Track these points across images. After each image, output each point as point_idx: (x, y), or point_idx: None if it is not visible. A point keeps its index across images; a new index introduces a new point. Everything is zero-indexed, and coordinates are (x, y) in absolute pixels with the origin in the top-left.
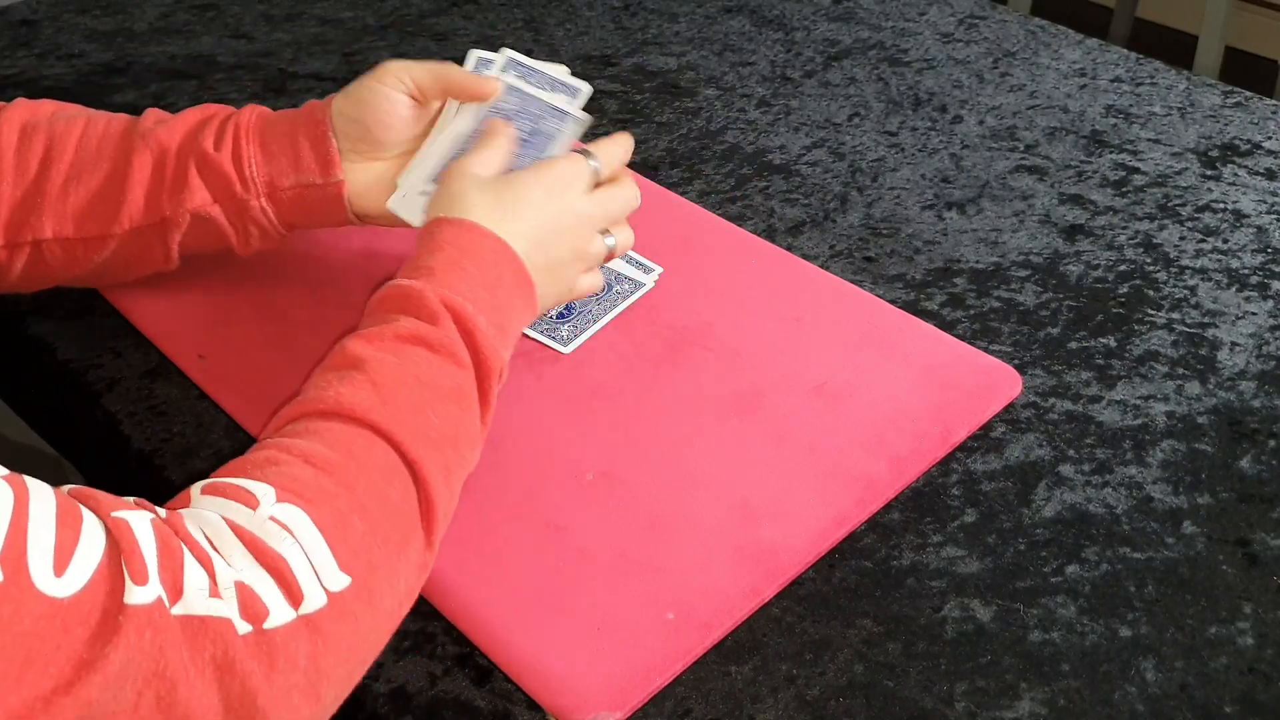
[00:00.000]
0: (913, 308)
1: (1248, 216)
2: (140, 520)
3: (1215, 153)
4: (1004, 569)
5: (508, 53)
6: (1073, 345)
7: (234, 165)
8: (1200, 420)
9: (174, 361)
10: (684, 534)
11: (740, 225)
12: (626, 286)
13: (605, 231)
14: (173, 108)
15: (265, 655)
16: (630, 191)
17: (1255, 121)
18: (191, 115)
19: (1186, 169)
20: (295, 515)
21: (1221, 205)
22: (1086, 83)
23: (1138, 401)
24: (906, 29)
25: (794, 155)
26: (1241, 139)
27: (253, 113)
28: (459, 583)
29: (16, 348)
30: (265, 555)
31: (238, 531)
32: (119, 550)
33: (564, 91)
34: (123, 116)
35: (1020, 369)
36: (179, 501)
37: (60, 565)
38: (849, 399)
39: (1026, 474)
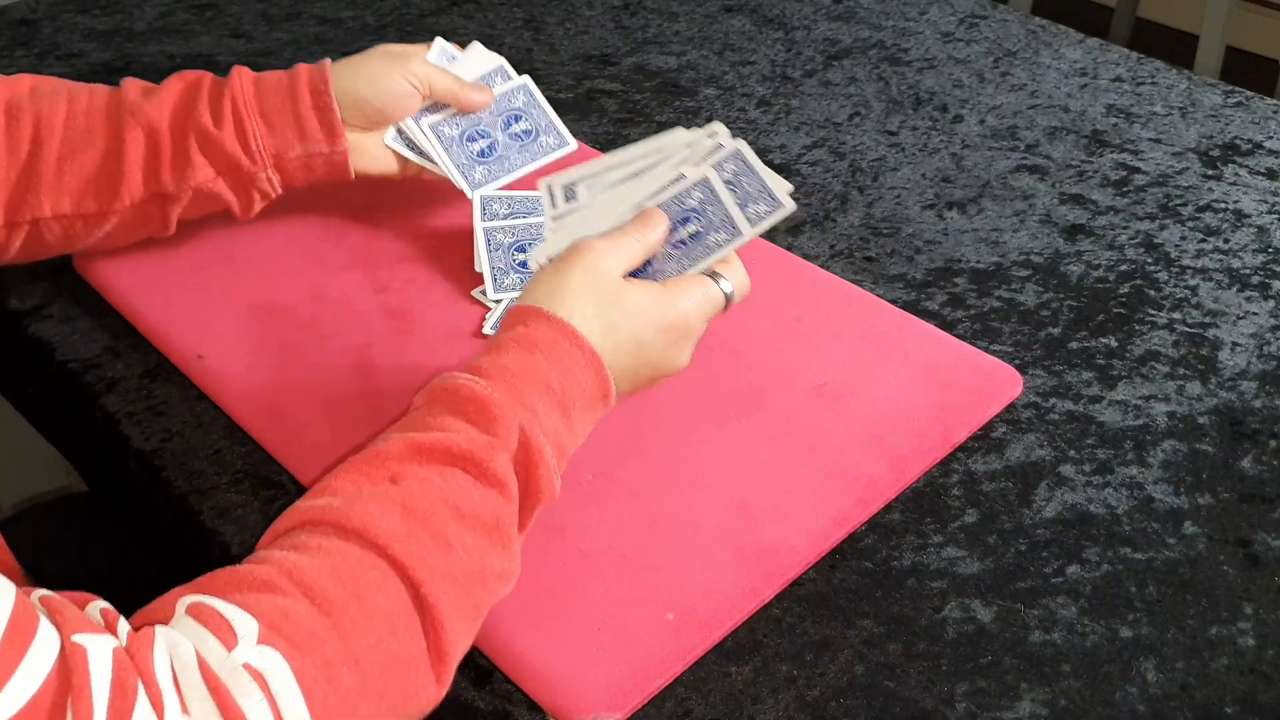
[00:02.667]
0: (913, 308)
1: (1249, 216)
2: (100, 650)
3: (1216, 152)
4: (1005, 569)
5: (739, 144)
6: (1073, 345)
7: (239, 141)
8: (1201, 420)
9: (174, 361)
10: (684, 534)
11: None
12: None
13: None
14: None
15: None
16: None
17: (1256, 121)
18: (174, 86)
19: (1187, 169)
20: (274, 662)
21: (1222, 205)
22: (1087, 82)
23: (1139, 401)
24: (907, 28)
25: (794, 155)
26: (1242, 139)
27: (243, 80)
28: None
29: (16, 348)
30: (227, 707)
31: (206, 673)
32: (68, 685)
33: (764, 203)
34: (102, 88)
35: (1021, 369)
36: (160, 609)
37: None
38: (849, 399)
39: (1027, 474)
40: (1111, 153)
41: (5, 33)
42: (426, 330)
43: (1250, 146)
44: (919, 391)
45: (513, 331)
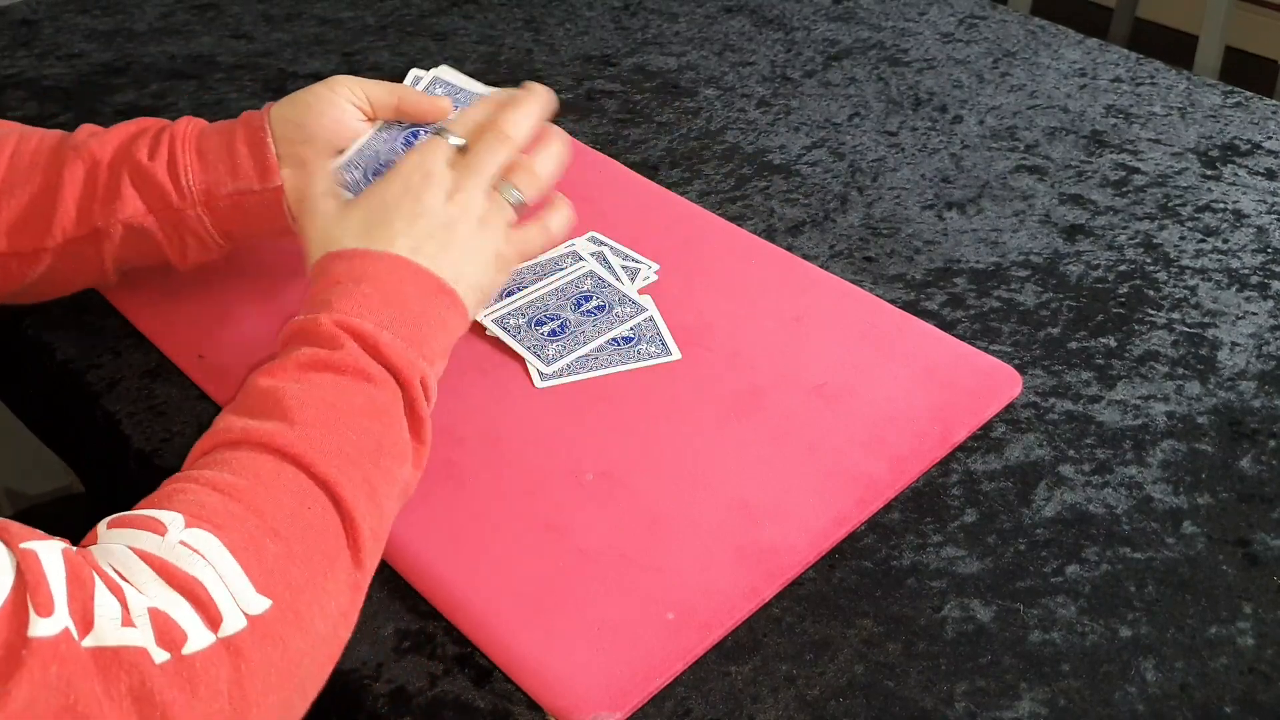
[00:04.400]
0: (913, 308)
1: (1248, 216)
2: (50, 550)
3: (1215, 153)
4: (1004, 569)
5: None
6: (1073, 345)
7: (169, 174)
8: (1200, 420)
9: (174, 361)
10: (684, 534)
11: (740, 225)
12: (628, 310)
13: (503, 186)
14: (173, 108)
15: (185, 683)
16: (504, 134)
17: (1255, 121)
18: (125, 128)
19: (1187, 169)
20: (206, 540)
21: (1222, 205)
22: (1087, 83)
23: (1138, 401)
24: (906, 29)
25: (794, 155)
26: (1242, 139)
27: (190, 123)
28: (459, 583)
29: (16, 348)
30: (177, 579)
31: (146, 558)
32: (24, 584)
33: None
34: (56, 132)
35: (1020, 369)
36: (88, 540)
37: None
38: (849, 399)
39: (1026, 474)
40: (1111, 153)
41: (5, 33)
42: None
43: (1250, 147)
44: (919, 391)
45: (313, 283)
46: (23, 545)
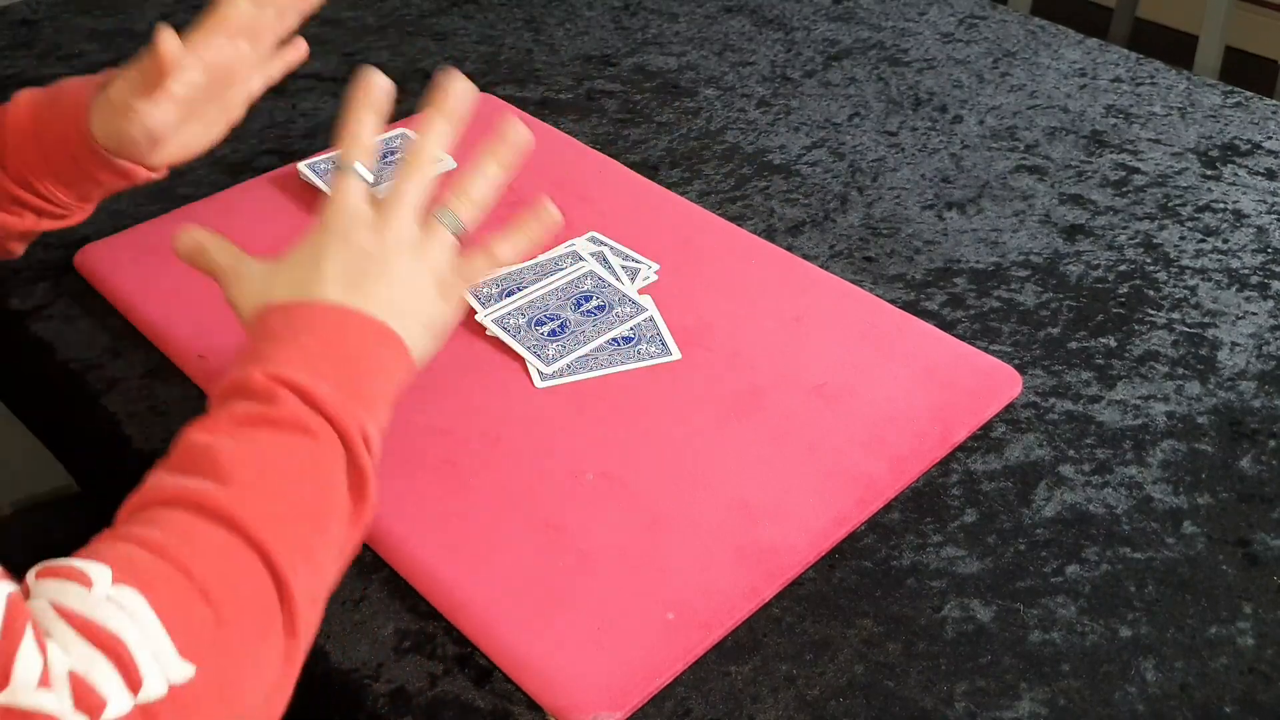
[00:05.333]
0: (913, 308)
1: (1248, 216)
2: None
3: (1215, 153)
4: (1004, 569)
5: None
6: (1073, 345)
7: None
8: (1200, 420)
9: (175, 361)
10: (684, 534)
11: (740, 225)
12: (628, 310)
13: (439, 211)
14: None
15: None
16: (420, 159)
17: (1255, 121)
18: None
19: (1187, 169)
20: (132, 597)
21: (1222, 205)
22: (1086, 83)
23: (1138, 401)
24: (906, 29)
25: (794, 155)
26: (1241, 139)
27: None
28: (459, 583)
29: (16, 348)
30: (100, 637)
31: (68, 615)
32: None
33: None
34: None
35: (1020, 369)
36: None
37: None
38: (849, 399)
39: (1026, 474)
40: (1111, 153)
41: (6, 33)
42: None
43: (1249, 147)
44: (919, 391)
45: (249, 338)
46: (68, 562)
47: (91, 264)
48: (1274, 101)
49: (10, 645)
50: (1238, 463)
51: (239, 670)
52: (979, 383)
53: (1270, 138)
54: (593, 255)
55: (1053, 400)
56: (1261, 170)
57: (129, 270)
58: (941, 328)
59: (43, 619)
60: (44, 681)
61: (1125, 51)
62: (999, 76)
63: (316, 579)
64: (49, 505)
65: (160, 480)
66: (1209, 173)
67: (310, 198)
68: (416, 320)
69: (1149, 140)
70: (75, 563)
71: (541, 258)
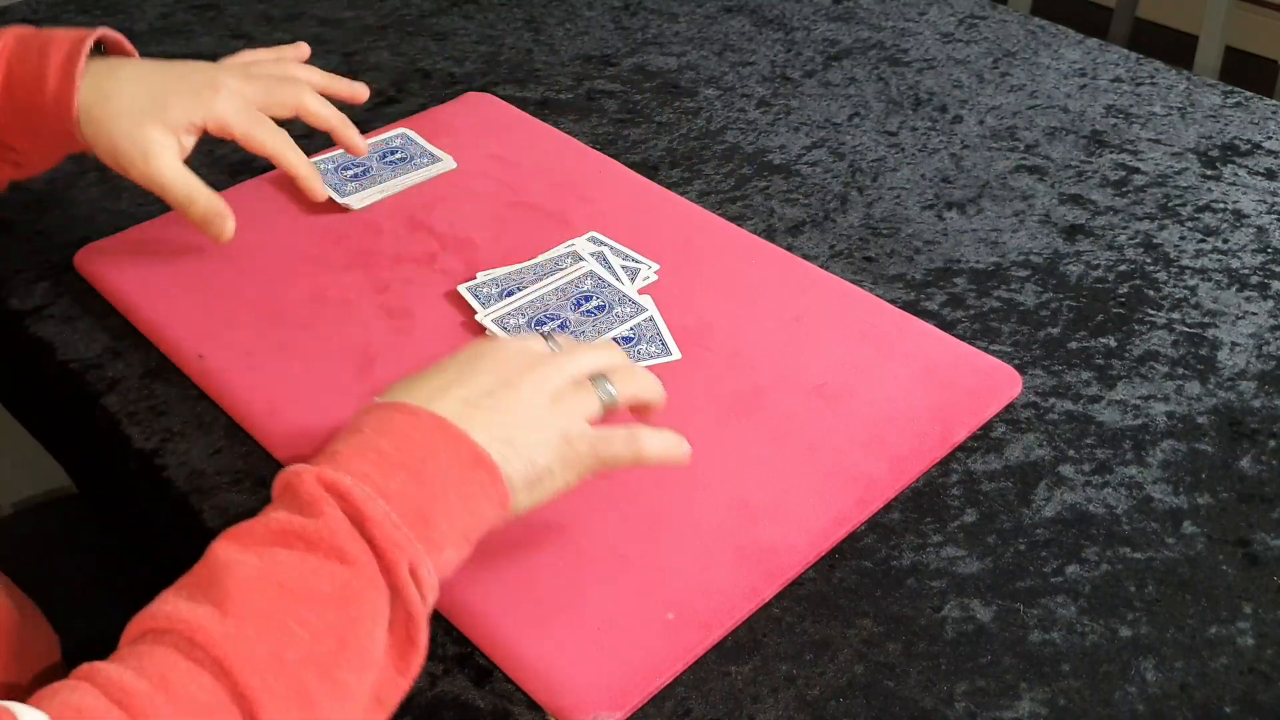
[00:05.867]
0: (913, 308)
1: (1248, 216)
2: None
3: (1215, 153)
4: (1004, 569)
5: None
6: (1073, 345)
7: None
8: (1200, 420)
9: (174, 361)
10: (684, 534)
11: (740, 225)
12: (628, 310)
13: (597, 380)
14: None
15: None
16: (608, 348)
17: (1255, 121)
18: None
19: (1186, 169)
20: None
21: (1222, 205)
22: (1086, 83)
23: (1138, 401)
24: (906, 29)
25: (794, 155)
26: (1241, 139)
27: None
28: (459, 583)
29: (16, 348)
30: None
31: None
32: None
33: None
34: None
35: (1020, 369)
36: None
37: None
38: (849, 399)
39: (1026, 474)
40: (1111, 153)
41: None
42: (426, 330)
43: (1249, 147)
44: (919, 391)
45: (340, 432)
46: (3, 703)
47: (91, 264)
48: (1274, 101)
49: None
50: (1238, 463)
51: None
52: (979, 383)
53: (1270, 138)
54: (593, 255)
55: (1053, 400)
56: (1261, 170)
57: (129, 270)
58: (941, 328)
59: None
60: None
61: (1125, 51)
62: (999, 76)
63: None
64: (49, 505)
65: (164, 602)
66: (1209, 173)
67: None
68: (525, 461)
69: (1149, 140)
70: (11, 706)
71: (541, 258)
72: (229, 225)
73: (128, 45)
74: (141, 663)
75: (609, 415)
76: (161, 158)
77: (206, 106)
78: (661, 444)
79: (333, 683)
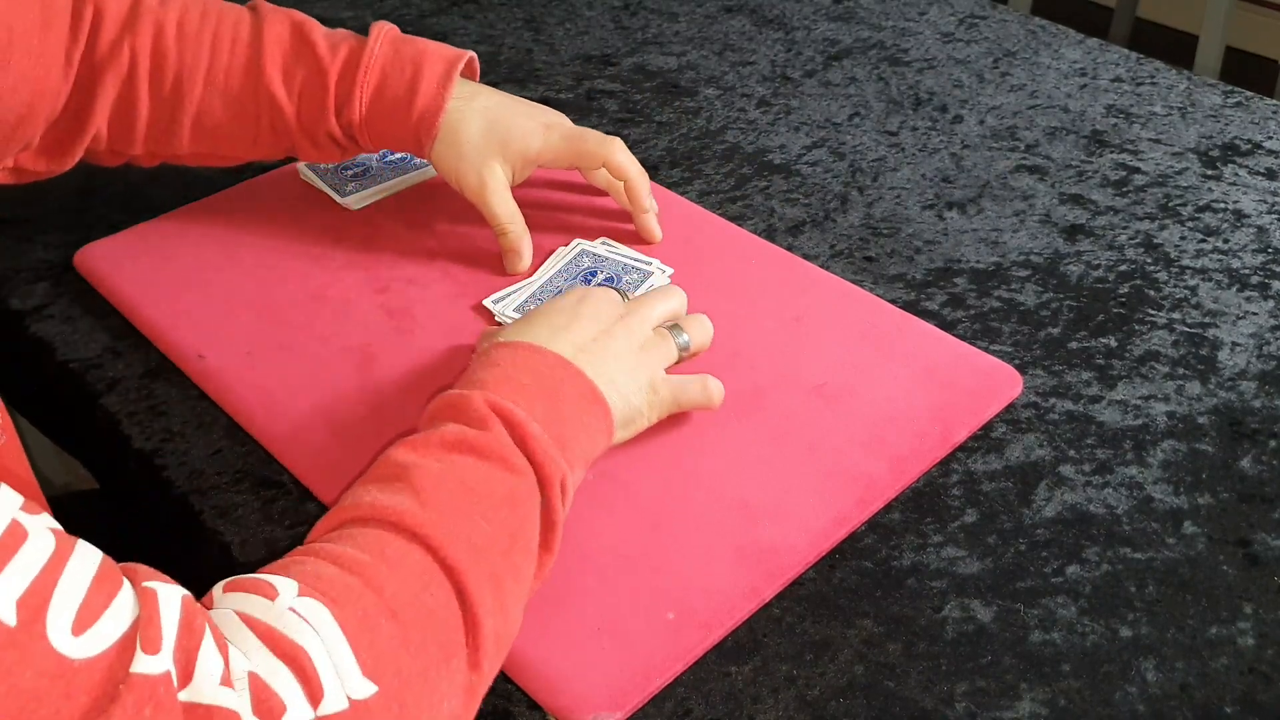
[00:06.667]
0: (913, 308)
1: (1248, 216)
2: (170, 593)
3: (1216, 153)
4: (1004, 569)
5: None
6: (1073, 345)
7: (345, 140)
8: (1201, 420)
9: (174, 361)
10: (684, 534)
11: (740, 225)
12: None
13: (672, 329)
14: None
15: None
16: (675, 291)
17: (1256, 121)
18: (305, 78)
19: (1187, 169)
20: (317, 610)
21: (1222, 205)
22: (1087, 83)
23: (1138, 401)
24: (907, 29)
25: (794, 155)
26: (1242, 139)
27: (365, 95)
28: None
29: (16, 348)
30: (282, 646)
31: (251, 624)
32: (138, 619)
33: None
34: (240, 52)
35: (1020, 369)
36: (204, 602)
37: (81, 626)
38: (849, 399)
39: (1027, 474)
40: (1111, 153)
41: None
42: (426, 330)
43: (1250, 147)
44: (919, 391)
45: (475, 364)
46: (145, 584)
47: (91, 264)
48: (1274, 101)
49: (192, 642)
50: (1238, 463)
51: (420, 694)
52: (979, 383)
53: (1270, 138)
54: (600, 256)
55: (1053, 400)
56: (1262, 170)
57: (129, 270)
58: (942, 328)
59: (225, 626)
60: (225, 680)
61: (1125, 51)
62: (999, 76)
63: (502, 617)
64: (54, 502)
65: (357, 496)
66: (1209, 173)
67: (310, 197)
68: (624, 401)
69: (1149, 140)
70: (261, 576)
71: (551, 259)
72: (522, 263)
73: (476, 65)
74: (357, 541)
75: (684, 354)
76: (494, 189)
77: (543, 139)
78: (722, 391)
79: (513, 568)
